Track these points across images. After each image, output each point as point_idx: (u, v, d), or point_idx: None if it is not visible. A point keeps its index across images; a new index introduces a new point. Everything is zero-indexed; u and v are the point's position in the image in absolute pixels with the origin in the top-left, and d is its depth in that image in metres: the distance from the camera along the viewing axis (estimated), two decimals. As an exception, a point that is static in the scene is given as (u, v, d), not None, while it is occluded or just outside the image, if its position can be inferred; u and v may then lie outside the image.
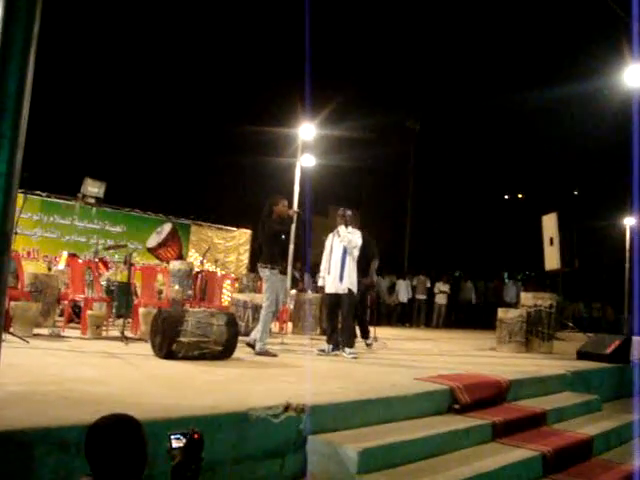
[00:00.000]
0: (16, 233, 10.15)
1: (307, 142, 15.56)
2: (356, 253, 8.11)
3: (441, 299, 19.41)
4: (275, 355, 7.42)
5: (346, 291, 8.03)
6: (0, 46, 2.48)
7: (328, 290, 8.23)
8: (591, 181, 29.18)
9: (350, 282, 8.03)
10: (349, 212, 8.31)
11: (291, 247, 15.10)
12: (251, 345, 7.44)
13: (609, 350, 8.81)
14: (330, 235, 8.36)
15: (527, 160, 30.19)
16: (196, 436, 2.47)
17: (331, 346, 8.11)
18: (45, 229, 13.02)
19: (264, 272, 7.67)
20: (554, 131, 28.34)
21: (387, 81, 27.44)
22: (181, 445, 2.45)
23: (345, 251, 8.08)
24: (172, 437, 2.48)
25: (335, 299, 8.16)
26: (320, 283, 8.50)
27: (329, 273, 8.18)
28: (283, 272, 7.90)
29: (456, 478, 4.09)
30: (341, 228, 8.16)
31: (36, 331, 7.79)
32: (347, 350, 7.89)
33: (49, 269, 11.03)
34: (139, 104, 22.38)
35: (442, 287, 19.51)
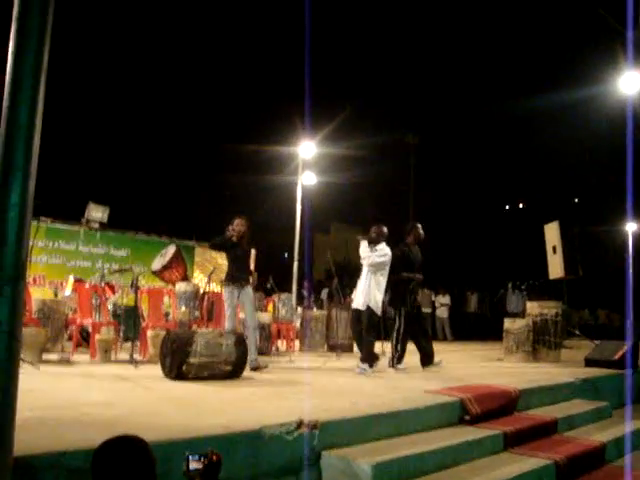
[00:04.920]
0: (30, 262, 10.23)
1: (308, 160, 15.64)
2: (377, 269, 8.04)
3: (442, 312, 19.17)
4: (266, 367, 7.56)
5: (364, 307, 8.03)
6: (11, 79, 2.54)
7: (353, 305, 8.36)
8: (591, 188, 29.22)
9: (369, 299, 7.99)
10: (374, 229, 8.26)
11: (295, 265, 15.15)
12: (254, 368, 7.45)
13: (617, 356, 8.81)
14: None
15: (526, 170, 30.28)
16: (215, 458, 2.47)
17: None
18: (50, 255, 13.06)
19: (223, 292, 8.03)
20: (552, 140, 28.44)
21: (385, 97, 27.61)
22: (199, 467, 2.46)
23: (368, 268, 8.12)
24: (190, 458, 2.47)
25: (356, 314, 8.24)
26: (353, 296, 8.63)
27: (358, 289, 8.28)
28: (241, 285, 7.86)
29: (470, 489, 4.11)
30: (362, 244, 8.16)
31: (45, 357, 7.81)
32: (360, 364, 7.90)
33: (55, 295, 11.04)
34: (139, 128, 22.54)
35: (442, 299, 19.37)
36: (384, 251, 8.11)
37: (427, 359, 8.47)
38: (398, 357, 8.32)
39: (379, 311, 8.10)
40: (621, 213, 19.63)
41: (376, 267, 8.05)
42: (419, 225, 8.84)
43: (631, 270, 15.46)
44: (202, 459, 2.47)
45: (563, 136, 27.20)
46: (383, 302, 8.23)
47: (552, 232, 12.42)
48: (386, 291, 8.39)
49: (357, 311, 8.21)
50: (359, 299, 8.16)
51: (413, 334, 8.50)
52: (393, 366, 8.24)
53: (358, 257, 8.30)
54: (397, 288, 8.47)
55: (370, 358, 7.99)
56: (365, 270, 8.16)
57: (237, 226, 7.91)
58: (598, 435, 5.92)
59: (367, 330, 8.07)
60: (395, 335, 8.32)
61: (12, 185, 2.47)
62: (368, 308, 8.00)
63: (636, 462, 5.69)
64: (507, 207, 37.27)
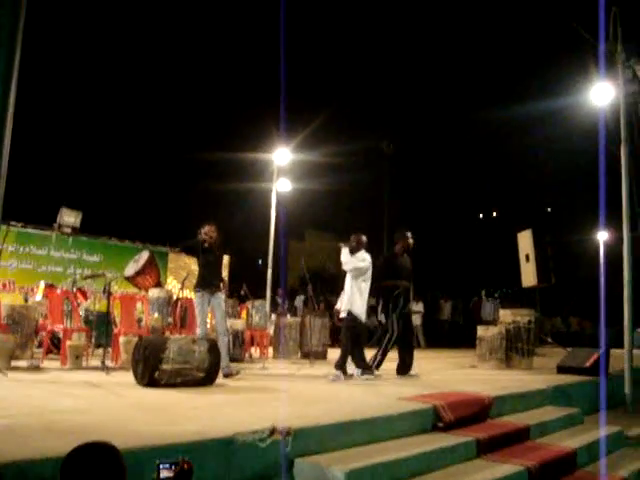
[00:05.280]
0: (-1, 266, 10.07)
1: (282, 167, 15.61)
2: (358, 275, 8.05)
3: (416, 320, 19.10)
4: (238, 373, 7.57)
5: (345, 314, 8.08)
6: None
7: (340, 315, 8.39)
8: (564, 197, 29.61)
9: (350, 304, 8.03)
10: (353, 237, 8.29)
11: (269, 272, 15.09)
12: (226, 375, 7.40)
13: (588, 363, 8.90)
14: None
15: (500, 179, 30.57)
16: (186, 466, 2.42)
17: (359, 370, 8.08)
18: (21, 260, 12.86)
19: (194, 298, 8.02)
20: (525, 149, 28.78)
21: (360, 105, 27.73)
22: (170, 475, 2.41)
23: (350, 274, 8.13)
24: (161, 466, 2.42)
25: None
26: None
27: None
28: (212, 291, 7.85)
29: (443, 495, 4.11)
30: (342, 251, 8.17)
31: (14, 364, 7.69)
32: (332, 371, 7.88)
33: (26, 300, 10.88)
34: (113, 133, 22.36)
35: (415, 307, 19.29)
36: (363, 256, 8.15)
37: (405, 368, 8.47)
38: (377, 363, 8.30)
39: (363, 317, 8.11)
40: (592, 222, 19.90)
41: (357, 272, 8.07)
42: (408, 234, 8.83)
43: (603, 278, 15.64)
44: (173, 467, 2.43)
45: (536, 146, 27.55)
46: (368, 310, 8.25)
47: (525, 240, 12.54)
48: (376, 299, 8.40)
49: (344, 319, 8.21)
50: (343, 307, 8.22)
51: (398, 341, 8.49)
52: (364, 370, 8.10)
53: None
54: (383, 296, 8.48)
55: (343, 366, 7.98)
56: (348, 277, 8.18)
57: (208, 232, 7.90)
58: (570, 441, 5.96)
59: (345, 335, 8.06)
60: (385, 341, 8.30)
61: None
62: (349, 313, 8.02)
63: (606, 467, 5.75)
64: (481, 216, 37.59)
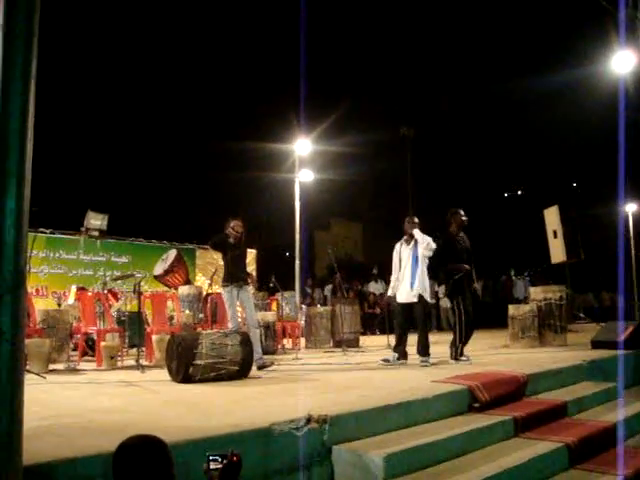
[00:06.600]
0: (29, 271, 10.22)
1: (305, 157, 15.61)
2: (425, 257, 7.98)
3: (445, 302, 19.03)
4: (272, 364, 7.65)
5: (417, 299, 7.93)
6: (1, 83, 2.52)
7: (399, 300, 8.12)
8: (589, 171, 29.19)
9: (422, 289, 7.91)
10: (409, 219, 8.20)
11: (297, 263, 15.14)
12: (260, 367, 7.45)
13: (623, 337, 8.79)
14: (397, 245, 8.26)
15: (524, 156, 30.23)
16: (235, 459, 2.49)
17: (396, 355, 8.03)
18: (52, 265, 13.05)
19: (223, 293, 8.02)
20: (548, 125, 28.41)
21: (378, 91, 27.59)
22: (219, 466, 2.47)
23: (416, 257, 8.00)
24: (210, 458, 2.50)
25: (407, 308, 8.06)
26: (390, 293, 8.37)
27: (401, 282, 8.11)
28: (239, 284, 7.87)
29: (482, 475, 4.09)
30: (415, 232, 8.04)
31: (52, 367, 7.83)
32: (420, 359, 7.84)
33: (59, 305, 11.04)
34: (132, 132, 22.52)
35: (444, 289, 19.13)
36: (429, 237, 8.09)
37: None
38: (460, 352, 8.10)
39: (431, 299, 8.10)
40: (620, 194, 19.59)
41: (429, 253, 7.98)
42: (461, 211, 8.56)
43: (631, 251, 15.43)
44: (222, 459, 2.49)
45: (558, 120, 27.19)
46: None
47: (552, 216, 12.40)
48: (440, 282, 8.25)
49: (408, 305, 8.03)
50: (407, 292, 7.99)
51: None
52: (456, 358, 8.03)
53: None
54: (446, 279, 8.36)
55: (429, 350, 7.92)
56: (411, 259, 8.03)
57: (235, 227, 7.93)
58: (608, 416, 5.91)
59: (421, 321, 8.02)
60: (458, 327, 8.07)
61: (8, 192, 2.46)
62: (422, 298, 7.93)
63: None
64: (506, 194, 37.26)
